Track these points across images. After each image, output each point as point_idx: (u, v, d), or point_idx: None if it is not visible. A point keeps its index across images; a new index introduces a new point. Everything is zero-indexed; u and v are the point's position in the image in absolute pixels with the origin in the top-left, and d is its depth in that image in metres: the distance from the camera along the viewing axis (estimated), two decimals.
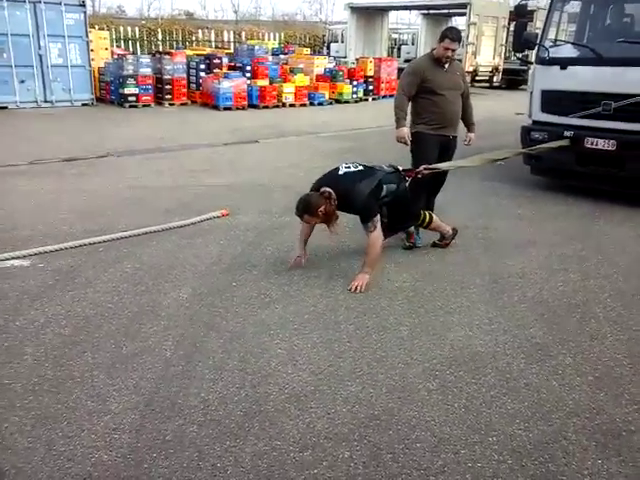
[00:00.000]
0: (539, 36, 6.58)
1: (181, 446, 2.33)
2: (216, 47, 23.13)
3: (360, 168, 4.08)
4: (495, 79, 20.74)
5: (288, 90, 14.81)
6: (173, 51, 15.93)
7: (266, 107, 14.37)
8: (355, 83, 16.42)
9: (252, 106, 14.30)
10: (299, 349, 3.10)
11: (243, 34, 25.70)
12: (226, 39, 25.14)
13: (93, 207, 5.65)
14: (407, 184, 4.42)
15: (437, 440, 2.38)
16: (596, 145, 5.92)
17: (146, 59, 14.12)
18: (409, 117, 4.88)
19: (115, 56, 15.27)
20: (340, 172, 4.03)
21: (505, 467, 2.23)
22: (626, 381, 2.83)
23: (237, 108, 13.86)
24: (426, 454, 2.30)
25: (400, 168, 4.36)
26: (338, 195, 3.84)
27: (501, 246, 4.79)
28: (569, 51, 6.62)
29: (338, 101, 15.99)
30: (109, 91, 14.26)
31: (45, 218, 5.25)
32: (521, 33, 6.63)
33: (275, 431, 2.43)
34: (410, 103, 4.84)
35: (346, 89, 16.05)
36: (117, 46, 20.65)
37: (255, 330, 3.30)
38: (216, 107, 13.72)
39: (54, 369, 2.87)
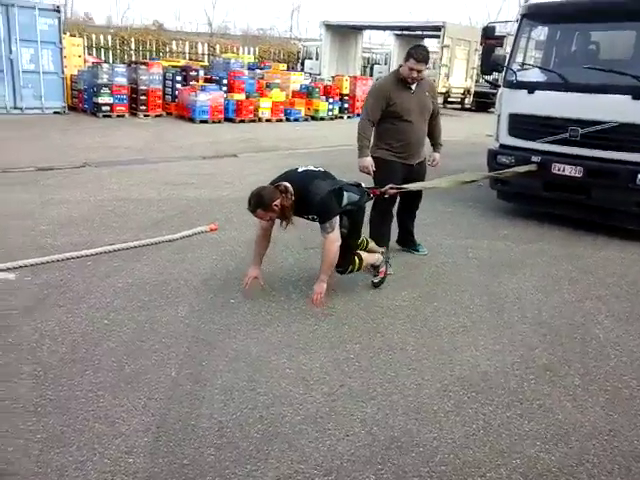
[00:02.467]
0: (507, 59, 6.46)
1: (201, 470, 2.24)
2: (190, 59, 22.97)
3: (321, 169, 3.86)
4: (467, 101, 21.20)
5: (265, 105, 14.77)
6: (149, 61, 15.73)
7: (242, 121, 14.30)
8: (331, 100, 16.48)
9: (228, 120, 14.20)
10: (308, 369, 3.04)
11: (217, 47, 25.62)
12: (200, 51, 25.01)
13: (76, 219, 5.47)
14: (370, 201, 4.17)
15: (462, 462, 2.35)
16: (563, 171, 5.81)
17: (122, 68, 13.88)
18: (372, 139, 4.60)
19: (89, 64, 14.99)
20: (299, 170, 3.79)
21: None
22: (637, 402, 2.86)
23: (213, 121, 13.74)
24: (453, 477, 2.27)
25: (363, 184, 4.15)
26: (296, 192, 3.57)
27: (493, 266, 4.83)
28: (537, 75, 6.54)
29: (314, 118, 16.02)
30: (82, 99, 13.96)
31: (25, 229, 5.05)
32: (489, 55, 6.54)
33: (296, 454, 2.36)
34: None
35: (322, 106, 16.11)
36: (89, 54, 20.28)
37: (260, 349, 3.22)
38: (192, 120, 13.57)
39: (55, 389, 2.74)
